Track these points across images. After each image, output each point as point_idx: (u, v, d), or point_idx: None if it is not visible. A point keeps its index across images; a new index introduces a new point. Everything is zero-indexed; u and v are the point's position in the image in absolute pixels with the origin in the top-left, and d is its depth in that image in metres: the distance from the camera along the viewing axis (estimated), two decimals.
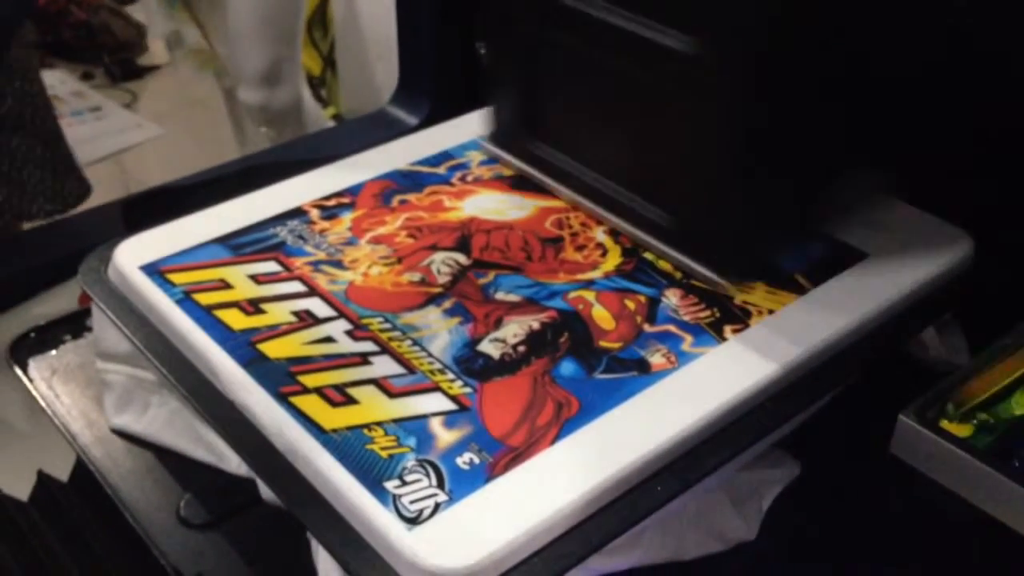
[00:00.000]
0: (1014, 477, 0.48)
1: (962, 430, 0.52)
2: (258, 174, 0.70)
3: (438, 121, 0.75)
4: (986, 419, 0.52)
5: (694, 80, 0.54)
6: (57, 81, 2.43)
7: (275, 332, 0.55)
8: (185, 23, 1.78)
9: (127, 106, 2.43)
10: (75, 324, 0.66)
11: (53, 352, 0.66)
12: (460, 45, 0.91)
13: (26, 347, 0.66)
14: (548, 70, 0.63)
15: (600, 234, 0.63)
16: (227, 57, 1.76)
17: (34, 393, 0.63)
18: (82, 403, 0.62)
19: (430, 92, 0.94)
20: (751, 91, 0.53)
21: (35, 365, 0.65)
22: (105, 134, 2.33)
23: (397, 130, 0.81)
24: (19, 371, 0.65)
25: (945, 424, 0.52)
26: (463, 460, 0.47)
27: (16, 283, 0.75)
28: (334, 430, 0.49)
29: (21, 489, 0.63)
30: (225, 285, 0.58)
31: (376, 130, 0.91)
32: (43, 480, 0.63)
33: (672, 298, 0.57)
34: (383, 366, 0.53)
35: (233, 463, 0.55)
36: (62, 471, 0.63)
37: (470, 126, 0.73)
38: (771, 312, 0.56)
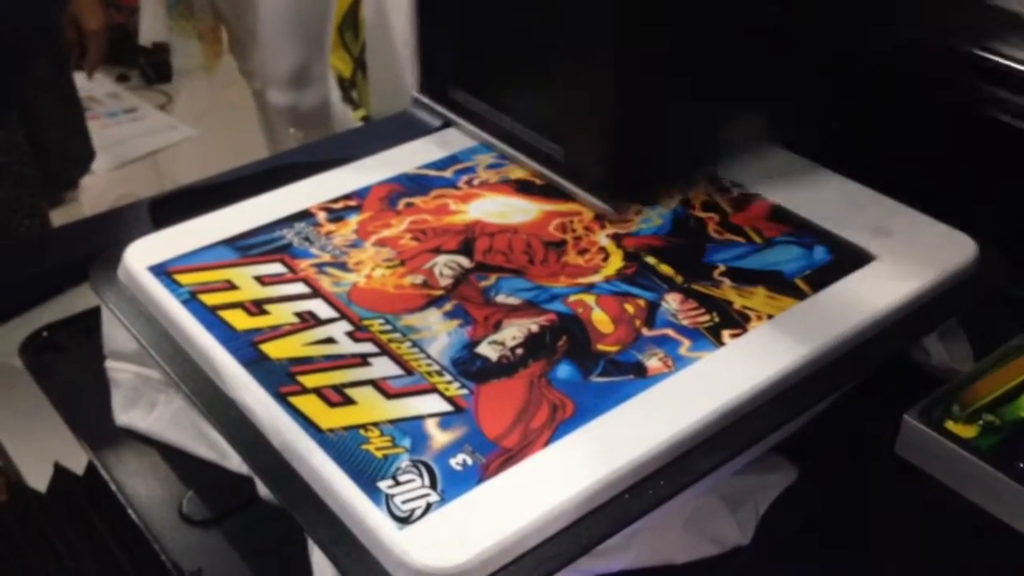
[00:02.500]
0: (1019, 479, 0.48)
1: (967, 431, 0.52)
2: (279, 175, 0.71)
3: None
4: (992, 420, 0.52)
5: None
6: (94, 83, 2.47)
7: (277, 333, 0.56)
8: (179, 33, 1.79)
9: (162, 108, 2.47)
10: (86, 323, 0.67)
11: (64, 350, 0.67)
12: (482, 47, 0.91)
13: (38, 345, 0.67)
14: (475, 25, 0.74)
15: (603, 238, 0.63)
16: (244, 59, 1.78)
17: (45, 390, 0.64)
18: (91, 401, 0.63)
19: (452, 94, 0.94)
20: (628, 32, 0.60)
21: (46, 363, 0.67)
22: (140, 135, 2.37)
23: (418, 132, 0.82)
24: (31, 368, 0.66)
25: (950, 425, 0.52)
26: (456, 461, 0.48)
27: (41, 283, 0.76)
28: (331, 430, 0.49)
29: (40, 481, 0.64)
30: (231, 286, 0.59)
31: (398, 132, 0.91)
32: (60, 472, 0.64)
33: (672, 302, 0.57)
34: (382, 367, 0.53)
35: (235, 461, 0.56)
36: (80, 464, 0.64)
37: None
38: (770, 317, 0.56)
